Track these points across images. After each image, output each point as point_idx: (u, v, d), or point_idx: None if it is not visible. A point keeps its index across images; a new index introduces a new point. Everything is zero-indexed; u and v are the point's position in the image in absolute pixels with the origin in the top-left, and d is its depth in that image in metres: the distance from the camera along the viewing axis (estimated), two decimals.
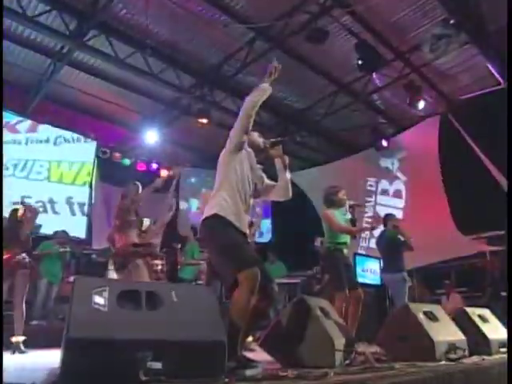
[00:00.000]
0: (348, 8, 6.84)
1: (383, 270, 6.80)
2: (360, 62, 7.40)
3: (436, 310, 4.00)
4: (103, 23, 7.09)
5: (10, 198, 7.77)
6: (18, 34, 7.40)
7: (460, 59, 8.03)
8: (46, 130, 9.68)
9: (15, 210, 5.43)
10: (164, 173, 11.12)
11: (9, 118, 9.03)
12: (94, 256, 8.55)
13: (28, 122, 9.47)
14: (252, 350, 4.53)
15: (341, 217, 5.07)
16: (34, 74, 8.42)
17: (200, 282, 7.51)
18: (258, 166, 3.29)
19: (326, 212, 5.05)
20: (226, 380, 2.25)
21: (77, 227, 9.44)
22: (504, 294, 7.25)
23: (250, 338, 4.48)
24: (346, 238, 5.02)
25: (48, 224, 8.35)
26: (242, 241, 2.95)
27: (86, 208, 9.79)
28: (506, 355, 3.54)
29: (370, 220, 10.00)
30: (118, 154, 10.59)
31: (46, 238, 7.80)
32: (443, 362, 3.37)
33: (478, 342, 3.95)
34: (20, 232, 5.29)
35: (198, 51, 7.98)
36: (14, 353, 4.91)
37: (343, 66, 8.31)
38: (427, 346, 3.47)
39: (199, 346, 2.28)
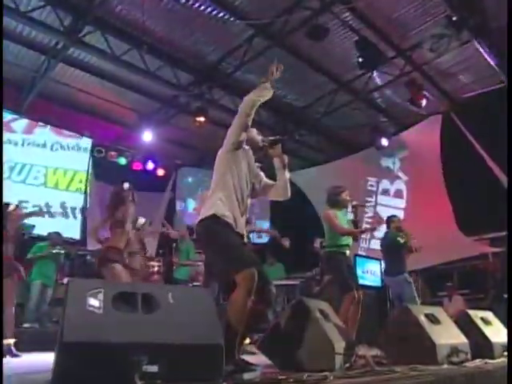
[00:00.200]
0: (349, 4, 6.79)
1: (385, 272, 6.78)
2: (360, 60, 7.36)
3: (438, 312, 3.93)
4: (99, 19, 7.00)
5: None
6: (11, 29, 7.27)
7: (462, 57, 7.99)
8: (42, 134, 9.74)
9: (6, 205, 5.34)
10: (161, 172, 11.08)
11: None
12: (88, 257, 8.45)
13: (24, 122, 9.45)
14: (250, 353, 4.41)
15: (343, 218, 5.06)
16: (27, 71, 8.31)
17: (196, 283, 7.40)
18: (257, 164, 3.26)
19: (327, 212, 5.01)
20: None
21: (71, 229, 9.49)
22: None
23: (248, 341, 4.46)
24: (348, 240, 5.00)
25: (43, 226, 8.31)
26: (239, 241, 2.94)
27: (77, 211, 9.94)
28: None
29: (370, 220, 9.89)
30: (113, 153, 10.49)
31: (40, 239, 7.74)
32: (445, 366, 3.31)
33: (480, 345, 3.86)
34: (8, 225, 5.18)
35: (196, 48, 7.90)
36: (5, 356, 4.80)
37: (343, 64, 8.27)
38: (429, 349, 3.41)
39: (196, 349, 2.25)
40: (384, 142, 9.78)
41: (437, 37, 6.94)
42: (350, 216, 5.34)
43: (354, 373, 2.87)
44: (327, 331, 3.20)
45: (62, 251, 7.62)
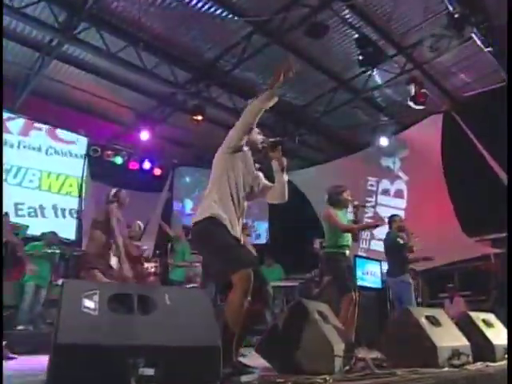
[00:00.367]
0: (348, 1, 6.75)
1: (387, 273, 6.73)
2: (361, 58, 7.34)
3: (439, 314, 3.93)
4: (94, 15, 6.91)
5: (3, 204, 7.63)
6: (5, 26, 7.14)
7: (463, 56, 7.92)
8: (38, 137, 9.85)
9: None
10: (157, 171, 10.98)
11: None
12: None
13: (20, 122, 9.48)
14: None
15: (343, 217, 5.04)
16: (21, 69, 8.20)
17: (192, 284, 7.29)
18: (256, 165, 3.26)
19: (328, 211, 4.98)
20: None
21: (66, 229, 9.54)
22: None
23: None
24: (348, 240, 4.95)
25: (37, 226, 8.32)
26: (235, 242, 2.93)
27: (67, 212, 10.13)
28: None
29: (370, 221, 9.79)
30: (109, 152, 10.42)
31: (34, 239, 7.66)
32: (446, 369, 3.30)
33: (482, 347, 3.85)
34: None
35: (194, 45, 7.83)
36: None
37: (343, 62, 8.22)
38: (429, 352, 3.38)
39: (193, 351, 2.25)
40: (384, 141, 9.72)
41: (437, 36, 6.87)
42: (350, 216, 5.30)
43: (354, 376, 2.86)
44: (326, 333, 3.17)
45: (57, 251, 7.52)
